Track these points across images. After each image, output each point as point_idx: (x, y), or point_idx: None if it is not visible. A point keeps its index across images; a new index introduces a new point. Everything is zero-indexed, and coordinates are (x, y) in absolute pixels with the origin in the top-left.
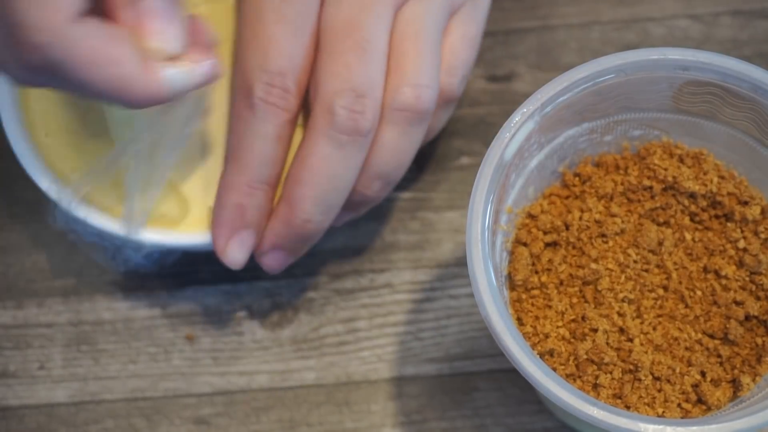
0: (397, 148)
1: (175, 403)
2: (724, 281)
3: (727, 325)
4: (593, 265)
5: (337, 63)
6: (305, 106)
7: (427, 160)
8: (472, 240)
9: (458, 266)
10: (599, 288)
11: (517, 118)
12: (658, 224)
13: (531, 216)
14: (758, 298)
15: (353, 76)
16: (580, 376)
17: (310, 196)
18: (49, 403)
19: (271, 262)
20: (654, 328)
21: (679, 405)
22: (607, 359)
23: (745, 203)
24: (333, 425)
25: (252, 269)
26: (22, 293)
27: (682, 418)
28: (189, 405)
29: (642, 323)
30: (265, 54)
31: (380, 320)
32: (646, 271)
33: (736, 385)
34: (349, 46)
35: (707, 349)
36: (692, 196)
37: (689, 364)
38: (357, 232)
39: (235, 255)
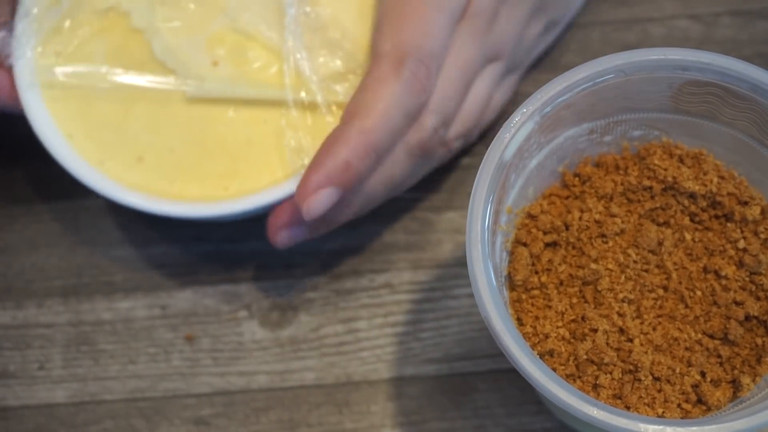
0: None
1: (175, 404)
2: (724, 281)
3: (727, 326)
4: (593, 266)
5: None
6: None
7: None
8: (472, 240)
9: (458, 266)
10: (599, 288)
11: (517, 118)
12: (658, 224)
13: (531, 216)
14: (758, 299)
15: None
16: (579, 377)
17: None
18: (49, 404)
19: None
20: (654, 329)
21: (679, 405)
22: (607, 359)
23: (745, 203)
24: (333, 426)
25: (252, 269)
26: (21, 293)
27: (682, 418)
28: (189, 405)
29: (642, 323)
30: (426, 34)
31: (380, 320)
32: (646, 271)
33: (736, 385)
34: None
35: (707, 349)
36: (692, 196)
37: (689, 364)
38: (357, 232)
39: (316, 206)
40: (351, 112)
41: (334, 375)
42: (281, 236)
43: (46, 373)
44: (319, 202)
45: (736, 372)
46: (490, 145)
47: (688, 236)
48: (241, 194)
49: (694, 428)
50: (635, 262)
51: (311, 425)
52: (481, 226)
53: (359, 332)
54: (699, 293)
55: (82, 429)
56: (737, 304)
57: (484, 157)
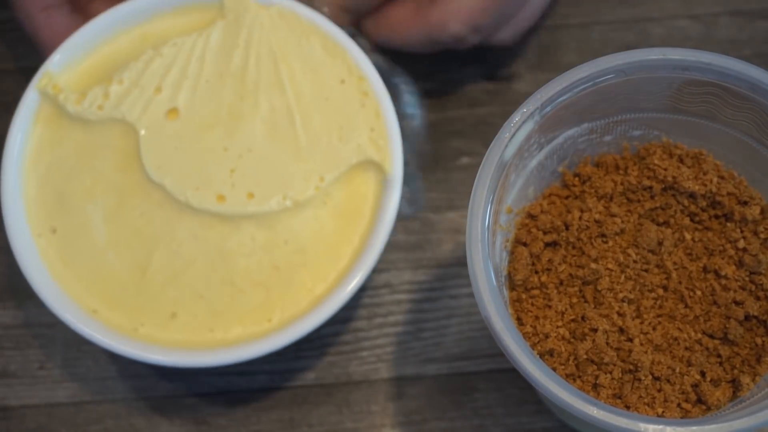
0: None
1: (175, 403)
2: (723, 281)
3: (727, 325)
4: (593, 265)
5: None
6: None
7: (427, 160)
8: (472, 240)
9: (458, 266)
10: (599, 288)
11: (517, 118)
12: (658, 224)
13: (531, 216)
14: (758, 298)
15: None
16: (579, 376)
17: None
18: (50, 403)
19: None
20: (654, 328)
21: (678, 405)
22: (606, 359)
23: (745, 203)
24: (333, 425)
25: None
26: (22, 293)
27: (681, 418)
28: (189, 405)
29: (642, 323)
30: None
31: (380, 320)
32: (646, 271)
33: (735, 385)
34: None
35: (707, 349)
36: (692, 196)
37: (689, 364)
38: None
39: None
40: None
41: (334, 375)
42: None
43: (47, 373)
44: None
45: (735, 372)
46: (490, 145)
47: (687, 236)
48: (285, 323)
49: (694, 428)
50: (635, 261)
51: (311, 425)
52: (481, 226)
53: (359, 332)
54: (699, 293)
55: (83, 428)
56: (737, 303)
57: (484, 157)
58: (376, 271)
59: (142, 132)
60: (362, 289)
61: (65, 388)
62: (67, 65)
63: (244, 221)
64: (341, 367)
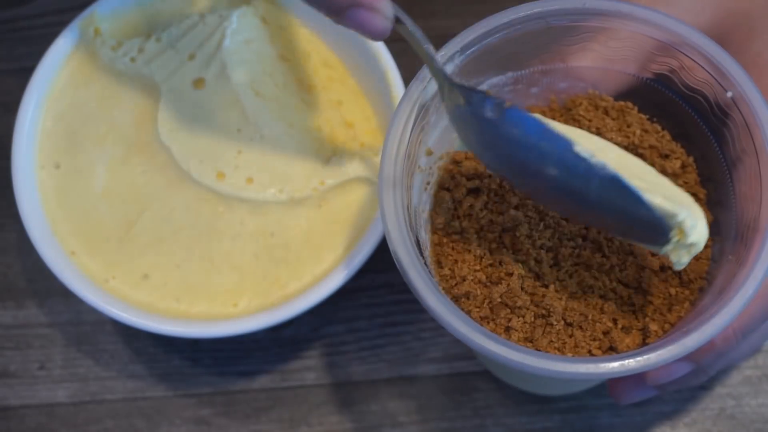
0: None
1: (175, 403)
2: None
3: (642, 275)
4: (512, 212)
5: None
6: None
7: None
8: (384, 176)
9: None
10: (518, 234)
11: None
12: None
13: (455, 162)
14: None
15: None
16: (493, 319)
17: None
18: (50, 403)
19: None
20: (570, 276)
21: (589, 351)
22: (519, 303)
23: (666, 156)
24: (333, 425)
25: None
26: (22, 293)
27: None
28: (189, 405)
29: (559, 271)
30: None
31: (380, 320)
32: (566, 220)
33: (645, 332)
34: None
35: (621, 297)
36: None
37: (602, 311)
38: None
39: (664, 376)
40: (721, 288)
41: (334, 375)
42: (625, 398)
43: (47, 373)
44: (668, 372)
45: (647, 320)
46: (408, 85)
47: None
48: (250, 311)
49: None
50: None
51: (311, 425)
52: (395, 164)
53: (359, 332)
54: (617, 243)
55: (83, 428)
56: (653, 254)
57: (401, 96)
58: (375, 271)
59: (165, 93)
60: (362, 289)
61: (65, 388)
62: (114, 12)
63: (237, 204)
64: (341, 367)
